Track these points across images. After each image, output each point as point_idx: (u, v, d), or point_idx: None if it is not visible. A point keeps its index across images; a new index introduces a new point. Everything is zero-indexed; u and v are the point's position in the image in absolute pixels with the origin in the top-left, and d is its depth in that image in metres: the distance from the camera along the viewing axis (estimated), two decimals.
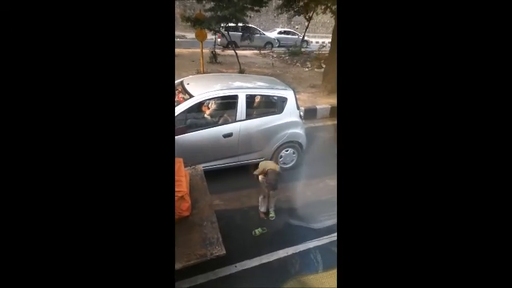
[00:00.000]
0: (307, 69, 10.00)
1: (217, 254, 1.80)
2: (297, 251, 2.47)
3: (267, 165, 2.66)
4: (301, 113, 3.77)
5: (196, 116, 3.49)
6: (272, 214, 2.85)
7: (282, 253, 2.44)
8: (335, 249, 2.43)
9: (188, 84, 3.39)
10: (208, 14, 7.41)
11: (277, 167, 2.67)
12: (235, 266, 2.29)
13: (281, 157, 3.63)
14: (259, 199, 2.84)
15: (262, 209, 2.84)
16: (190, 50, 11.56)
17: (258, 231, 2.66)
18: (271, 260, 2.37)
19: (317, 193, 3.31)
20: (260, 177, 2.69)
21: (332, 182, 3.51)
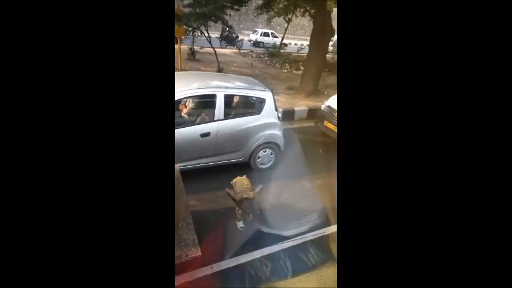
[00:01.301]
0: (285, 71, 10.13)
1: (192, 256, 1.78)
2: (272, 251, 2.50)
3: (242, 189, 2.69)
4: (279, 115, 3.82)
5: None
6: (250, 216, 2.87)
7: (257, 253, 2.46)
8: (302, 255, 2.49)
9: None
10: (186, 10, 7.27)
11: (249, 185, 2.72)
12: (211, 268, 2.27)
13: (259, 158, 3.65)
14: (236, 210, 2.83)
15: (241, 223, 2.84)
16: None
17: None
18: (247, 260, 2.38)
19: (293, 194, 3.37)
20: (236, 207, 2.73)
21: (308, 183, 3.59)
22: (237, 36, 14.26)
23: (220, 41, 12.96)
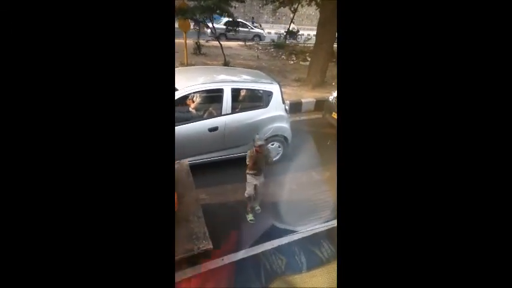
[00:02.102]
0: (292, 62, 10.02)
1: (204, 249, 1.82)
2: (282, 243, 2.53)
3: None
4: (287, 107, 3.80)
5: (181, 109, 3.44)
6: (257, 207, 2.90)
7: (268, 245, 2.49)
8: (316, 249, 2.51)
9: None
10: (191, 4, 7.22)
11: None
12: (222, 259, 2.32)
13: None
14: (247, 194, 2.80)
15: (251, 216, 2.85)
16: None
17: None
18: (257, 252, 2.42)
19: (302, 187, 3.38)
20: (248, 177, 2.70)
21: (317, 176, 3.59)
22: (298, 31, 16.89)
23: (285, 35, 15.20)
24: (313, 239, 2.61)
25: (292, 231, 2.67)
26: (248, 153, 2.66)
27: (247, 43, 13.17)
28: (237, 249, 2.43)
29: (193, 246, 1.81)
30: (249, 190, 2.73)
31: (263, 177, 2.77)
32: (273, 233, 2.66)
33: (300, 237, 2.61)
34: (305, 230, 2.69)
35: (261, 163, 2.66)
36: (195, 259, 1.98)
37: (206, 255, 1.93)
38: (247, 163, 2.65)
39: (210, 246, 1.83)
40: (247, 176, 2.71)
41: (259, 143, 2.53)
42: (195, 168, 2.67)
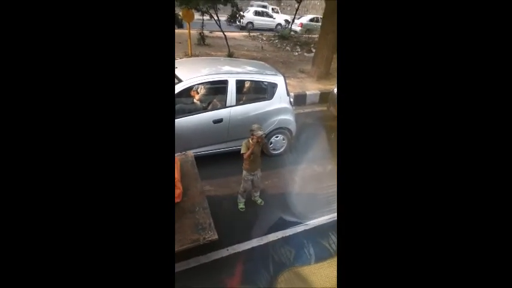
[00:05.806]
0: (296, 54, 9.90)
1: (209, 239, 1.85)
2: (286, 235, 2.56)
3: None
4: (291, 99, 3.78)
5: (185, 101, 3.44)
6: (260, 200, 2.92)
7: (271, 237, 2.52)
8: (324, 242, 2.52)
9: (176, 68, 3.31)
10: None
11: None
12: (227, 250, 2.35)
13: (271, 143, 3.66)
14: (240, 191, 2.81)
15: (241, 204, 2.85)
16: (177, 30, 11.14)
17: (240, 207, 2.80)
18: (261, 243, 2.45)
19: (305, 179, 3.39)
20: (244, 172, 2.69)
21: (319, 169, 3.59)
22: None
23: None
24: (321, 232, 2.62)
25: (299, 223, 2.69)
26: (244, 142, 2.57)
27: (251, 34, 12.99)
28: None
29: (199, 237, 1.84)
30: (245, 186, 2.74)
31: (260, 172, 2.76)
32: (280, 225, 2.67)
33: (305, 229, 2.62)
34: (315, 223, 2.70)
35: (258, 156, 2.62)
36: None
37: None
38: (243, 153, 2.55)
39: (216, 236, 1.86)
40: (244, 172, 2.69)
41: (260, 132, 2.48)
42: (199, 159, 2.68)
